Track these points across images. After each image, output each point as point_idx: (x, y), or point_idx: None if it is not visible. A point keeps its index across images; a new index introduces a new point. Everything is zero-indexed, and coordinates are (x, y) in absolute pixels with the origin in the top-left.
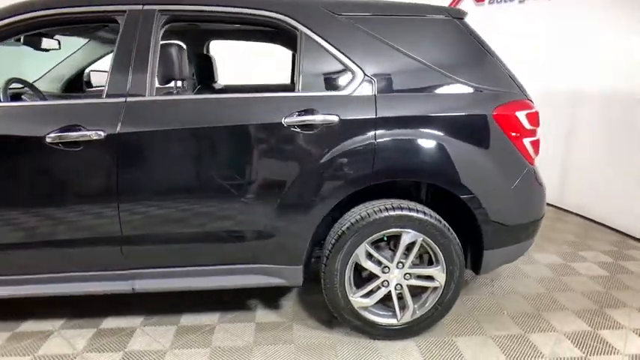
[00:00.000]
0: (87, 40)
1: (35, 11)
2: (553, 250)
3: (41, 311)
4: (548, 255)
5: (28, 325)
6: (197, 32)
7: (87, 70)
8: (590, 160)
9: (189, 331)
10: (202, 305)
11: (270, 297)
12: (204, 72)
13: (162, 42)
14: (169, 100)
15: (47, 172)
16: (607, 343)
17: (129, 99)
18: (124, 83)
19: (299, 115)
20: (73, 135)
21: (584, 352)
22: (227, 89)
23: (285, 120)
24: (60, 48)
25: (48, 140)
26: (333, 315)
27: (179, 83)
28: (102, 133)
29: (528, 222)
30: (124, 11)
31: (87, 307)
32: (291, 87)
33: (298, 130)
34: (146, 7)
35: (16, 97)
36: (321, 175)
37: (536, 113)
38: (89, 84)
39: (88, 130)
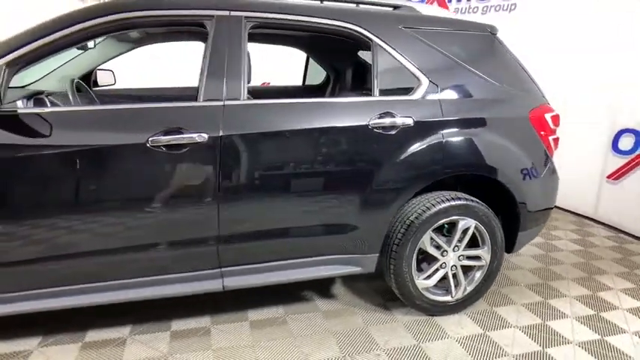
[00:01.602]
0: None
1: (124, 12)
2: None
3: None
4: None
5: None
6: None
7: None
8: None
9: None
10: (192, 309)
11: (327, 287)
12: None
13: None
14: (263, 103)
15: (148, 175)
16: (607, 301)
17: (226, 102)
18: (220, 87)
19: (380, 117)
20: (178, 138)
21: (594, 310)
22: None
23: (371, 122)
24: (95, 46)
25: (150, 144)
26: (387, 298)
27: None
28: (205, 136)
29: (547, 208)
30: (212, 16)
31: (66, 321)
32: (308, 88)
33: (381, 131)
34: (233, 13)
35: (38, 99)
36: (399, 171)
37: (558, 115)
38: (96, 83)
39: (192, 133)
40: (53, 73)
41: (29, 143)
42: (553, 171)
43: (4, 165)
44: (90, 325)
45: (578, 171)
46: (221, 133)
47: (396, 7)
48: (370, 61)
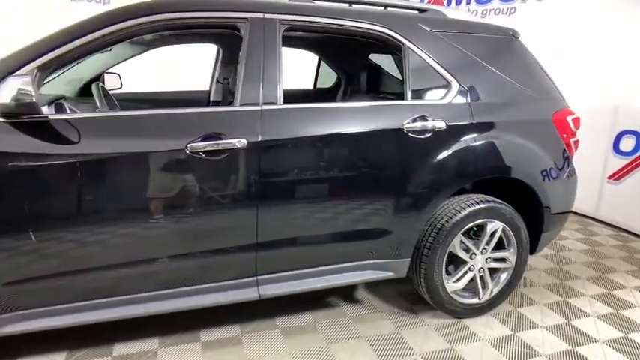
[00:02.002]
0: None
1: (158, 14)
2: None
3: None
4: None
5: None
6: (233, 37)
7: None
8: None
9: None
10: (218, 319)
11: (350, 292)
12: None
13: None
14: (300, 108)
15: (187, 182)
16: (623, 299)
17: (264, 107)
18: (257, 92)
19: (414, 121)
20: (218, 144)
21: (613, 309)
22: None
23: (405, 126)
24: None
25: (189, 150)
26: (412, 302)
27: None
28: (244, 142)
29: (567, 211)
30: (246, 19)
31: (91, 334)
32: (320, 91)
33: (414, 135)
34: (267, 16)
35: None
36: (433, 175)
37: (578, 118)
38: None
39: (231, 139)
40: (61, 76)
41: (64, 152)
42: (573, 173)
43: (40, 174)
44: (116, 339)
45: (580, 172)
46: (260, 139)
47: (423, 10)
48: (382, 64)
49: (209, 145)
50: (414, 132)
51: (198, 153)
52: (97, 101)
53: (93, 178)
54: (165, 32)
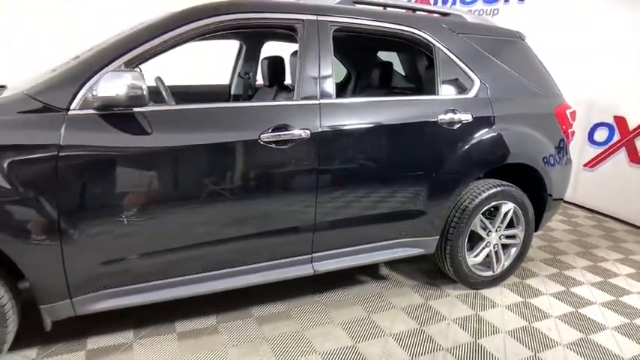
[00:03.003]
0: None
1: (224, 14)
2: None
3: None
4: None
5: None
6: (254, 33)
7: None
8: None
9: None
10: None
11: (374, 270)
12: (277, 72)
13: None
14: (352, 102)
15: (259, 169)
16: (609, 270)
17: (321, 101)
18: (315, 87)
19: (446, 114)
20: (287, 134)
21: (602, 278)
22: (292, 87)
23: (439, 118)
24: None
25: (262, 140)
26: (432, 277)
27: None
28: (308, 132)
29: (562, 196)
30: (302, 20)
31: (63, 328)
32: None
33: (446, 126)
34: (320, 17)
35: None
36: (461, 162)
37: (575, 112)
38: None
39: (298, 130)
40: None
41: (149, 142)
42: (569, 161)
43: (130, 162)
44: (90, 332)
45: None
46: (320, 130)
47: (446, 14)
48: (399, 62)
49: (280, 135)
50: (447, 123)
51: (269, 143)
52: (164, 94)
53: (176, 166)
54: (231, 30)
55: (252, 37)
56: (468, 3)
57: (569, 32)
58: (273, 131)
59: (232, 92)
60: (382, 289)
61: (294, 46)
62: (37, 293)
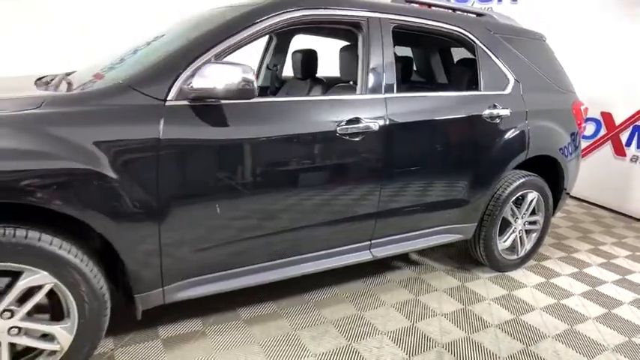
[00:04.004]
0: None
1: (306, 9)
2: None
3: None
4: None
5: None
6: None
7: None
8: None
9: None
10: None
11: (403, 258)
12: (309, 65)
13: None
14: (412, 96)
15: (335, 159)
16: (608, 252)
17: (386, 95)
18: (380, 82)
19: (489, 109)
20: (360, 127)
21: (605, 259)
22: (328, 81)
23: (483, 113)
24: None
25: (338, 132)
26: (461, 262)
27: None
28: (377, 125)
29: (572, 186)
30: (367, 18)
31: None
32: None
33: (489, 120)
34: (382, 15)
35: None
36: (499, 154)
37: (587, 108)
38: None
39: (369, 122)
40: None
41: (237, 133)
42: (580, 153)
43: (222, 152)
44: (158, 322)
45: None
46: (387, 123)
47: (481, 14)
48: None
49: (354, 127)
50: (489, 118)
51: (344, 135)
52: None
53: (264, 156)
54: (306, 25)
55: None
56: (462, 1)
57: (561, 32)
58: (347, 124)
59: (259, 84)
60: (419, 274)
61: (316, 40)
62: (134, 282)
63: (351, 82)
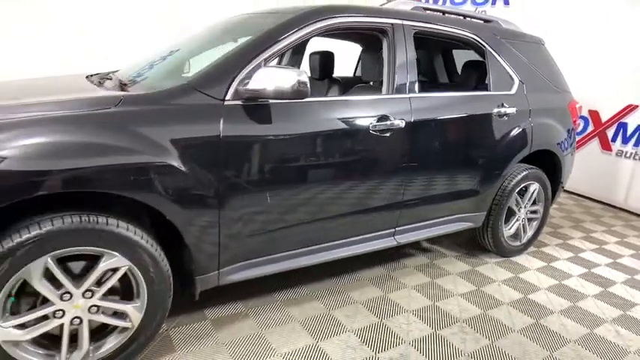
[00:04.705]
0: None
1: (334, 17)
2: None
3: None
4: None
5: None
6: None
7: None
8: None
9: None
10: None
11: (415, 247)
12: (327, 66)
13: None
14: (432, 96)
15: (368, 154)
16: (600, 239)
17: (410, 95)
18: (404, 83)
19: (498, 107)
20: (390, 124)
21: (598, 245)
22: (344, 81)
23: (494, 111)
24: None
25: (371, 129)
26: (468, 249)
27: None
28: (403, 122)
29: (567, 178)
30: (392, 24)
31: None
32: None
33: (498, 117)
34: (405, 22)
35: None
36: (507, 149)
37: (581, 107)
38: None
39: (397, 120)
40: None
41: (284, 129)
42: (574, 149)
43: (270, 147)
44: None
45: None
46: (412, 120)
47: (488, 20)
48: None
49: (385, 124)
50: (498, 115)
51: (376, 131)
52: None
53: (306, 151)
54: (340, 31)
55: None
56: (458, 4)
57: (552, 33)
58: (378, 121)
59: None
60: (433, 260)
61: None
62: (196, 265)
63: (370, 83)
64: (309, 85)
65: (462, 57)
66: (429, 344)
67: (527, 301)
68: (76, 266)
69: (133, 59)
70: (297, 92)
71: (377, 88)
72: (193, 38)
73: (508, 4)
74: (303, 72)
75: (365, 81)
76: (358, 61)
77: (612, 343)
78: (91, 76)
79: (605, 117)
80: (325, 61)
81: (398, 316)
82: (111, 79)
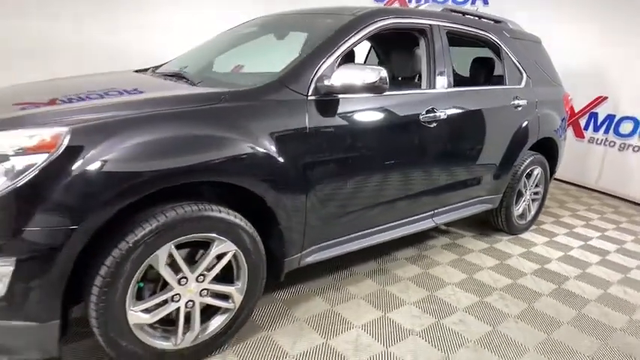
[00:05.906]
0: None
1: (388, 18)
2: None
3: None
4: None
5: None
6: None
7: None
8: None
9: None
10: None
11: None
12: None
13: None
14: (465, 90)
15: (418, 143)
16: (598, 226)
17: (448, 89)
18: (444, 78)
19: (514, 99)
20: (436, 116)
21: (599, 232)
22: None
23: (511, 103)
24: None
25: (421, 120)
26: (483, 229)
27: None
28: (445, 114)
29: (560, 163)
30: (430, 25)
31: None
32: None
33: (514, 109)
34: (440, 23)
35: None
36: (520, 137)
37: (572, 98)
38: None
39: (440, 112)
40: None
41: (350, 122)
42: (565, 136)
43: (341, 139)
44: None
45: None
46: (452, 112)
47: (499, 21)
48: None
49: (433, 116)
50: (514, 107)
51: (425, 122)
52: None
53: (376, 140)
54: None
55: None
56: (439, 3)
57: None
58: (426, 113)
59: None
60: (453, 240)
61: None
62: (286, 247)
63: (400, 78)
64: (387, 82)
65: (456, 54)
66: (479, 310)
67: (545, 271)
68: (183, 254)
69: (172, 56)
70: (377, 88)
71: (415, 84)
72: (232, 36)
73: (487, 3)
74: (383, 69)
75: (404, 77)
76: (367, 56)
77: (624, 300)
78: (139, 71)
79: (577, 107)
80: (345, 58)
81: (443, 290)
82: (168, 74)
